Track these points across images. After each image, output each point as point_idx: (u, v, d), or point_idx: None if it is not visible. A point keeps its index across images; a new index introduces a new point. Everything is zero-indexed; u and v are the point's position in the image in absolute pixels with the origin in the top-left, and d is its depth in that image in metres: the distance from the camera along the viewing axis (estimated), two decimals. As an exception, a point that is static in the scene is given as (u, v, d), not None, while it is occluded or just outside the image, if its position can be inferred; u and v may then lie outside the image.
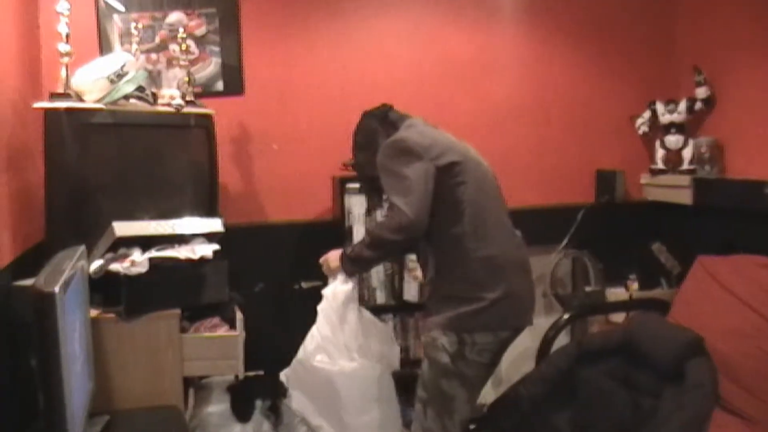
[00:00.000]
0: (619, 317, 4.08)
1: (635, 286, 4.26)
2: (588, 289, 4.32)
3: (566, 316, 3.84)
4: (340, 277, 2.91)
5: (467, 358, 2.72)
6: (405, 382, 3.11)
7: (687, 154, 4.11)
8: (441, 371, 2.75)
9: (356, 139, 3.12)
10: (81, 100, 2.89)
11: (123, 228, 2.74)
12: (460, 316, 2.72)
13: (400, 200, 2.67)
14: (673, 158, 4.17)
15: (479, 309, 2.69)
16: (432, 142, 2.80)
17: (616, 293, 4.26)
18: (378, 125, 3.02)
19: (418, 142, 2.77)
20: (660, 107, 4.21)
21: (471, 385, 2.78)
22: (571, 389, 2.88)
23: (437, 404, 2.78)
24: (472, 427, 2.90)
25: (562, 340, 3.78)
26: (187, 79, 3.40)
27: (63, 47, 2.83)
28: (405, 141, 2.79)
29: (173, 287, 2.80)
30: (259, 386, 3.36)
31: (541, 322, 3.61)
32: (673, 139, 4.16)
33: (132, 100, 3.05)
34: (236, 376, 3.17)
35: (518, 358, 3.26)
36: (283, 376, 3.07)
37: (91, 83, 2.92)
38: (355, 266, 2.90)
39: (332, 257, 2.93)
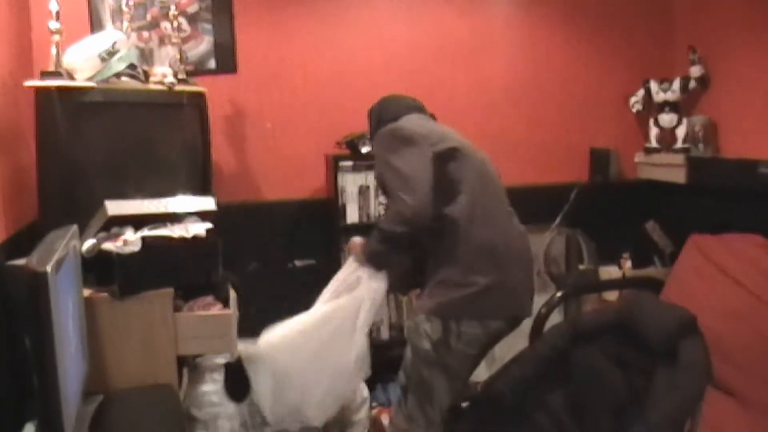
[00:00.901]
0: (612, 296, 4.09)
1: (628, 264, 4.27)
2: (581, 267, 4.34)
3: (559, 295, 3.85)
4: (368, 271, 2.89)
5: (451, 347, 2.70)
6: (396, 362, 3.12)
7: (681, 132, 4.11)
8: (422, 358, 2.74)
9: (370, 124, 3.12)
10: (72, 78, 2.86)
11: (115, 207, 2.73)
12: (450, 302, 2.69)
13: (401, 190, 2.64)
14: (667, 137, 4.18)
15: (469, 294, 2.67)
16: (428, 131, 2.79)
17: (609, 272, 4.28)
18: (376, 118, 3.02)
19: (415, 130, 2.76)
20: (654, 86, 4.20)
21: (452, 375, 2.76)
22: (564, 368, 2.88)
23: (417, 391, 2.78)
24: (464, 404, 2.90)
25: (555, 318, 3.79)
26: (179, 57, 3.38)
27: (53, 25, 2.80)
28: (402, 129, 2.79)
29: (166, 266, 2.78)
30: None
31: (535, 301, 3.61)
32: (667, 118, 4.16)
33: (123, 78, 3.03)
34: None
35: (511, 336, 3.25)
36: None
37: (83, 61, 2.90)
38: (373, 262, 2.86)
39: (357, 250, 2.92)
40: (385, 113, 2.98)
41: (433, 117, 3.07)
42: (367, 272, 2.87)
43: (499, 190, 2.90)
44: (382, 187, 2.89)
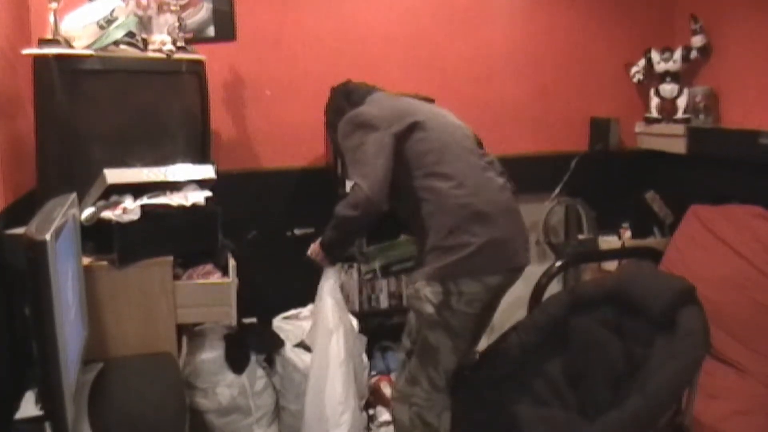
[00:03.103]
0: (611, 265, 4.09)
1: (628, 234, 4.28)
2: (581, 237, 4.34)
3: (559, 264, 3.86)
4: (327, 271, 3.06)
5: (453, 308, 2.70)
6: (395, 330, 3.14)
7: (681, 103, 4.09)
8: (426, 322, 2.75)
9: (327, 117, 3.17)
10: (70, 46, 2.84)
11: (115, 175, 2.72)
12: (446, 265, 2.70)
13: (357, 176, 2.71)
14: (668, 107, 4.16)
15: (465, 256, 2.68)
16: (390, 112, 2.82)
17: (608, 241, 4.28)
18: (344, 102, 3.03)
19: (374, 115, 2.81)
20: (655, 55, 4.18)
21: (456, 335, 2.76)
22: (563, 337, 2.89)
23: (422, 354, 2.79)
24: (465, 373, 2.91)
25: (555, 287, 3.80)
26: (177, 24, 3.34)
27: (51, -8, 2.78)
28: (360, 115, 2.84)
29: (165, 234, 2.78)
30: (255, 338, 3.37)
31: (534, 270, 3.62)
32: (668, 88, 4.14)
33: (122, 46, 3.01)
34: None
35: (510, 305, 3.27)
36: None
37: (81, 29, 2.88)
38: (329, 251, 2.95)
39: (313, 250, 3.02)
40: (354, 95, 3.03)
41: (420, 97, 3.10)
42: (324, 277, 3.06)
43: (471, 148, 2.90)
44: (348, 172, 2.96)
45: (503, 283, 2.80)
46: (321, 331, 3.03)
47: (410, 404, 2.81)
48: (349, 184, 3.04)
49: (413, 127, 2.79)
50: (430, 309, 2.71)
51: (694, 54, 4.05)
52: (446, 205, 2.73)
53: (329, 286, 3.06)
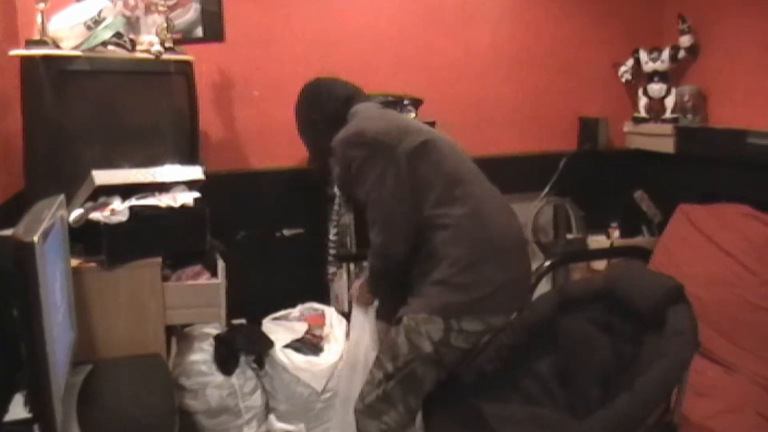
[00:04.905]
0: (600, 265, 4.11)
1: (617, 233, 4.29)
2: (569, 236, 4.35)
3: (548, 264, 3.86)
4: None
5: (452, 345, 2.54)
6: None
7: (669, 102, 4.11)
8: (420, 358, 2.56)
9: (299, 115, 2.95)
10: (58, 47, 2.83)
11: (103, 176, 2.71)
12: (453, 303, 2.51)
13: (373, 221, 2.58)
14: (656, 107, 4.18)
15: (477, 298, 2.50)
16: (392, 127, 2.64)
17: (597, 241, 4.29)
18: (321, 98, 2.83)
19: (378, 132, 2.60)
20: (643, 55, 4.19)
21: (444, 368, 2.63)
22: (552, 336, 2.89)
23: (405, 382, 2.60)
24: (455, 373, 2.91)
25: (544, 287, 3.81)
26: (165, 25, 3.34)
27: (38, -8, 2.77)
28: (363, 135, 2.62)
29: (154, 235, 2.77)
30: (244, 339, 3.36)
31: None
32: (656, 88, 4.16)
33: (110, 47, 3.01)
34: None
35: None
36: None
37: (68, 30, 2.87)
38: (374, 291, 2.83)
39: (357, 289, 2.95)
40: (331, 101, 2.80)
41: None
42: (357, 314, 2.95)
43: (477, 169, 2.73)
44: (353, 201, 2.87)
45: (502, 323, 2.70)
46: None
47: (380, 421, 2.63)
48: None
49: (425, 145, 2.58)
50: (428, 348, 2.53)
51: (682, 54, 4.06)
52: (463, 237, 2.53)
53: (370, 330, 2.95)
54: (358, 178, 2.58)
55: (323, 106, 2.80)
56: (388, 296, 2.78)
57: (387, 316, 2.76)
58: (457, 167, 2.63)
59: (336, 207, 3.80)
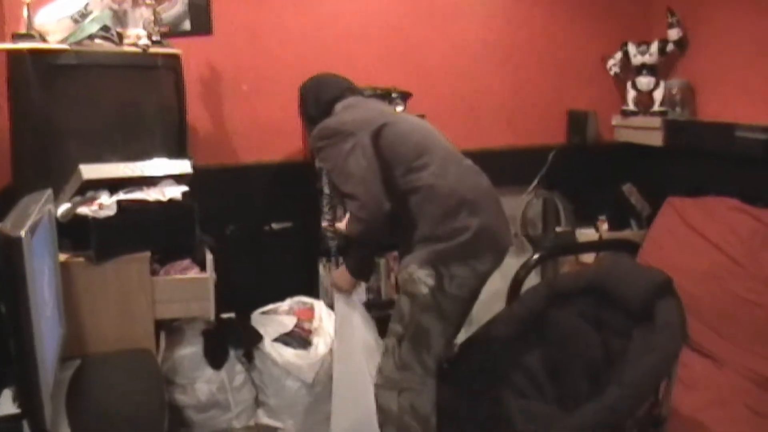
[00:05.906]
0: (589, 258, 4.12)
1: (605, 226, 4.30)
2: (558, 229, 4.36)
3: (536, 257, 3.87)
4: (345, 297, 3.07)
5: (446, 290, 2.73)
6: (378, 323, 3.13)
7: (658, 95, 4.11)
8: (420, 304, 2.75)
9: (303, 111, 3.20)
10: (45, 40, 2.82)
11: (90, 171, 2.70)
12: (438, 251, 2.73)
13: (349, 187, 2.77)
14: (644, 100, 4.18)
15: (457, 244, 2.72)
16: (361, 117, 2.89)
17: (586, 234, 4.30)
18: (317, 95, 3.09)
19: (344, 121, 2.88)
20: (632, 48, 4.19)
21: (447, 318, 2.78)
22: (541, 329, 2.90)
23: (414, 339, 2.78)
24: (444, 366, 2.91)
25: (533, 280, 3.81)
26: (153, 18, 3.32)
27: (24, -15, 2.76)
28: (329, 126, 2.90)
29: (142, 230, 2.77)
30: (234, 333, 3.36)
31: (512, 263, 3.64)
32: (645, 81, 4.16)
33: (97, 41, 2.98)
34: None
35: (489, 298, 3.28)
36: None
37: (55, 23, 2.85)
38: (359, 273, 3.03)
39: (339, 277, 3.05)
40: (323, 94, 3.07)
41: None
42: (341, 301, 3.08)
43: (444, 139, 2.97)
44: (334, 187, 3.04)
45: (490, 268, 2.84)
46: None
47: (400, 390, 2.78)
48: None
49: (384, 126, 2.83)
50: (425, 290, 2.73)
51: (670, 47, 4.06)
52: (433, 195, 2.76)
53: (360, 313, 3.09)
54: (326, 164, 2.93)
55: (317, 103, 3.05)
56: (367, 258, 3.03)
57: (363, 273, 3.05)
58: (424, 140, 2.88)
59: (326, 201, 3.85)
